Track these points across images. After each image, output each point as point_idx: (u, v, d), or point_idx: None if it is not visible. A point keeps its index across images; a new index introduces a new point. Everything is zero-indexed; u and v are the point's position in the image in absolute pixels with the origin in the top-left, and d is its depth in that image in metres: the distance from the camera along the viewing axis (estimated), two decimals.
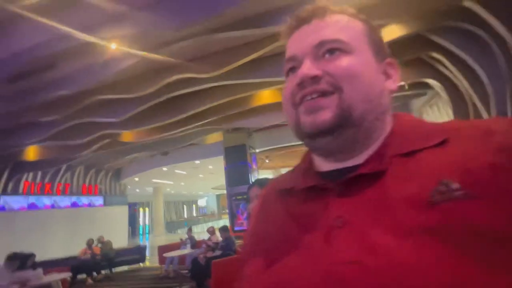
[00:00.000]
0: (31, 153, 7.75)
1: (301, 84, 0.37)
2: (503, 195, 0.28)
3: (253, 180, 7.15)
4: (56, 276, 3.71)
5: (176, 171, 13.06)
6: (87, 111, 5.68)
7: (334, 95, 0.36)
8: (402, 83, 5.92)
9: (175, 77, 4.86)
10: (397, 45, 4.67)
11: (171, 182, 16.47)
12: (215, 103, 5.93)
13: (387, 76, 0.41)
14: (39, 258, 4.14)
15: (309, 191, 0.39)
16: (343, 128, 0.36)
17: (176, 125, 6.74)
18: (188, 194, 25.93)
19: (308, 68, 0.37)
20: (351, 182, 0.35)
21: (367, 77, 0.37)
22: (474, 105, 4.78)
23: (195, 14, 3.58)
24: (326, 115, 0.36)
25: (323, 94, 0.36)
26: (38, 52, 4.07)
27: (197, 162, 11.19)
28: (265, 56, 4.63)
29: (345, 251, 0.31)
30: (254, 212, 0.49)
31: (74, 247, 8.24)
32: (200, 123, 6.79)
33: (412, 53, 5.01)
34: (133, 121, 6.11)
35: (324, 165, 0.41)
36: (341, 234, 0.32)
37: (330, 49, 0.37)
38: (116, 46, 4.08)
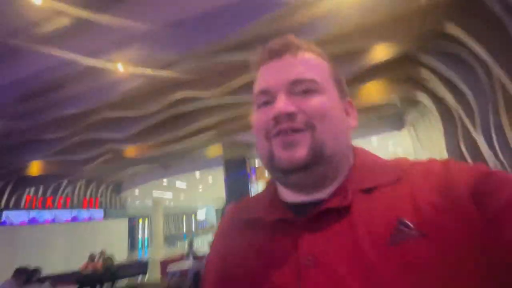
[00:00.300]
0: (35, 168, 7.91)
1: (276, 119, 0.38)
2: (447, 233, 0.31)
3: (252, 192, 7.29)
4: None
5: (177, 182, 13.17)
6: (92, 128, 5.90)
7: (307, 132, 0.38)
8: (394, 100, 6.21)
9: (178, 96, 5.11)
10: (388, 64, 4.98)
11: (171, 193, 16.53)
12: (215, 119, 6.17)
13: (347, 114, 0.44)
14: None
15: (276, 224, 0.39)
16: (316, 165, 0.37)
17: (177, 140, 6.96)
18: (187, 206, 25.84)
19: (284, 104, 0.38)
20: (318, 216, 0.37)
21: (335, 116, 0.40)
22: (461, 119, 5.03)
23: (199, 39, 3.86)
24: (301, 152, 0.37)
25: (297, 130, 0.38)
26: (47, 75, 4.33)
27: (197, 174, 11.34)
28: None
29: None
30: (217, 240, 0.48)
31: (75, 261, 8.27)
32: (201, 137, 7.01)
33: (402, 72, 5.32)
34: (137, 137, 6.32)
35: (290, 196, 0.42)
36: (313, 274, 0.33)
37: (304, 88, 0.39)
38: (122, 68, 4.35)
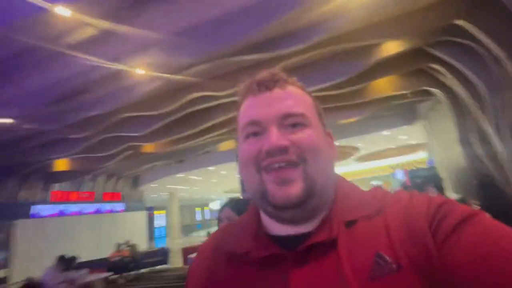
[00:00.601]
0: (62, 165, 8.46)
1: (269, 152, 0.38)
2: (416, 262, 0.33)
3: None
4: (99, 276, 4.25)
5: (191, 177, 13.63)
6: (114, 127, 6.28)
7: (299, 166, 0.38)
8: (406, 94, 6.23)
9: (193, 95, 5.37)
10: (399, 58, 5.03)
11: (186, 187, 17.09)
12: (228, 116, 6.41)
13: (329, 145, 0.45)
14: None
15: (264, 259, 0.39)
16: (309, 200, 0.38)
17: (193, 136, 7.27)
18: (201, 198, 26.57)
19: (277, 138, 0.38)
20: (306, 250, 0.37)
21: (323, 149, 0.41)
22: (472, 111, 5.06)
23: (212, 43, 4.06)
24: (296, 189, 0.37)
25: (290, 164, 0.38)
26: (74, 80, 4.66)
27: (211, 167, 11.72)
28: None
29: None
30: (194, 273, 0.47)
31: (99, 250, 8.87)
32: (215, 133, 7.29)
33: (412, 65, 5.35)
34: (155, 134, 6.67)
35: (275, 228, 0.42)
36: None
37: (294, 122, 0.40)
38: (142, 72, 4.62)
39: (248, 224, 0.46)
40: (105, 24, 3.76)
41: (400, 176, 9.15)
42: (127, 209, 12.57)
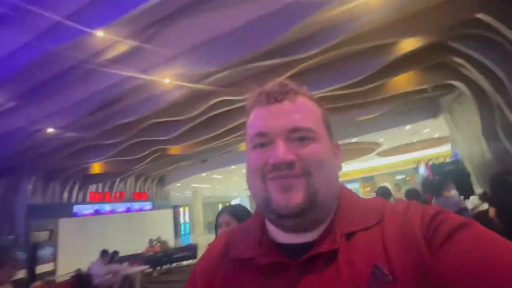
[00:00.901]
0: (96, 168, 9.21)
1: (275, 166, 0.39)
2: (411, 273, 0.34)
3: None
4: (138, 268, 4.73)
5: (213, 176, 14.14)
6: (143, 132, 6.78)
7: (302, 178, 0.39)
8: (428, 88, 6.14)
9: (214, 100, 5.71)
10: (418, 53, 5.00)
11: (208, 186, 17.70)
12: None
13: (335, 156, 0.45)
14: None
15: (268, 266, 0.41)
16: (310, 211, 0.39)
17: (215, 138, 7.64)
18: (223, 195, 27.26)
19: (284, 153, 0.39)
20: (309, 259, 0.39)
21: (329, 163, 0.42)
22: (497, 103, 4.94)
23: (234, 53, 4.34)
24: (298, 197, 0.39)
25: (294, 175, 0.39)
26: (109, 91, 5.14)
27: (232, 167, 12.11)
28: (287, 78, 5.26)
29: None
30: (197, 274, 0.48)
31: (131, 246, 9.55)
32: (236, 134, 7.61)
33: (433, 59, 5.29)
34: (180, 137, 7.11)
35: (280, 236, 0.43)
36: None
37: (301, 136, 0.40)
38: (168, 81, 5.01)
39: (253, 230, 0.47)
40: (135, 42, 4.16)
41: (423, 170, 8.97)
42: (154, 208, 13.32)
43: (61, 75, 4.61)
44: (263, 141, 0.41)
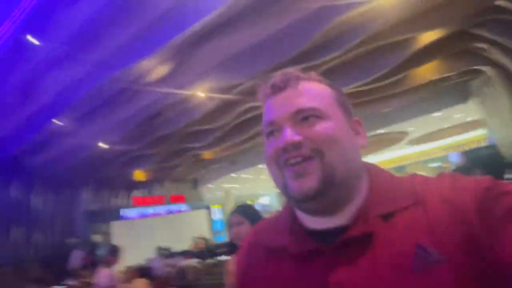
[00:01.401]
0: (139, 175, 10.19)
1: (284, 149, 0.40)
2: (460, 252, 0.33)
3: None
4: (191, 261, 5.39)
5: (242, 175, 14.78)
6: (180, 141, 7.47)
7: (316, 159, 0.39)
8: (452, 73, 6.09)
9: (243, 107, 6.18)
10: (440, 43, 5.02)
11: (238, 186, 18.42)
12: None
13: (356, 133, 0.45)
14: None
15: (303, 255, 0.41)
16: (328, 191, 0.39)
17: (244, 141, 8.15)
18: (252, 194, 27.98)
19: (290, 135, 0.40)
20: (342, 244, 0.38)
21: (343, 139, 0.41)
22: None
23: (260, 65, 4.75)
24: (312, 182, 0.38)
25: (306, 158, 0.39)
26: (152, 107, 5.82)
27: (260, 166, 12.60)
28: None
29: None
30: (240, 266, 0.50)
31: (174, 244, 10.41)
32: (263, 136, 8.03)
33: (457, 47, 5.28)
34: (213, 143, 7.71)
35: (309, 221, 0.44)
36: None
37: (306, 116, 0.41)
38: (202, 95, 5.57)
39: (283, 219, 0.48)
40: (173, 65, 4.76)
41: (455, 157, 8.75)
42: (190, 209, 14.25)
43: (113, 97, 5.35)
44: (273, 129, 0.43)
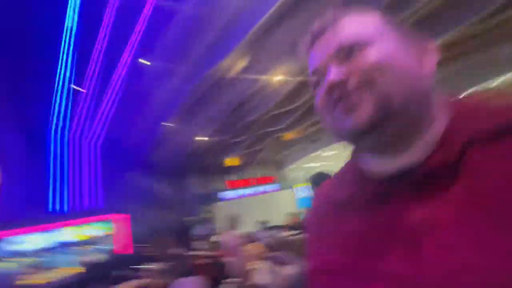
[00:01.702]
0: (231, 161, 11.52)
1: (329, 91, 0.36)
2: None
3: None
4: (289, 233, 6.00)
5: (323, 154, 14.66)
6: (263, 125, 8.06)
7: (366, 90, 0.34)
8: None
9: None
10: None
11: (319, 164, 18.32)
12: None
13: (424, 56, 0.38)
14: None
15: (373, 200, 0.38)
16: (386, 121, 0.34)
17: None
18: (334, 172, 27.24)
19: (333, 74, 0.36)
20: (421, 181, 0.33)
21: (398, 64, 0.35)
22: None
23: None
24: (365, 113, 0.34)
25: (354, 92, 0.35)
26: (238, 97, 6.51)
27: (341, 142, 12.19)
28: None
29: (438, 264, 0.30)
30: (310, 225, 0.48)
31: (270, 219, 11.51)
32: None
33: None
34: (293, 124, 7.99)
35: (375, 165, 0.39)
36: (424, 244, 0.31)
37: (350, 51, 0.36)
38: (279, 78, 5.86)
39: (348, 171, 0.46)
40: (249, 57, 5.19)
41: None
42: (278, 188, 15.19)
43: (206, 94, 6.27)
44: (317, 78, 0.40)
